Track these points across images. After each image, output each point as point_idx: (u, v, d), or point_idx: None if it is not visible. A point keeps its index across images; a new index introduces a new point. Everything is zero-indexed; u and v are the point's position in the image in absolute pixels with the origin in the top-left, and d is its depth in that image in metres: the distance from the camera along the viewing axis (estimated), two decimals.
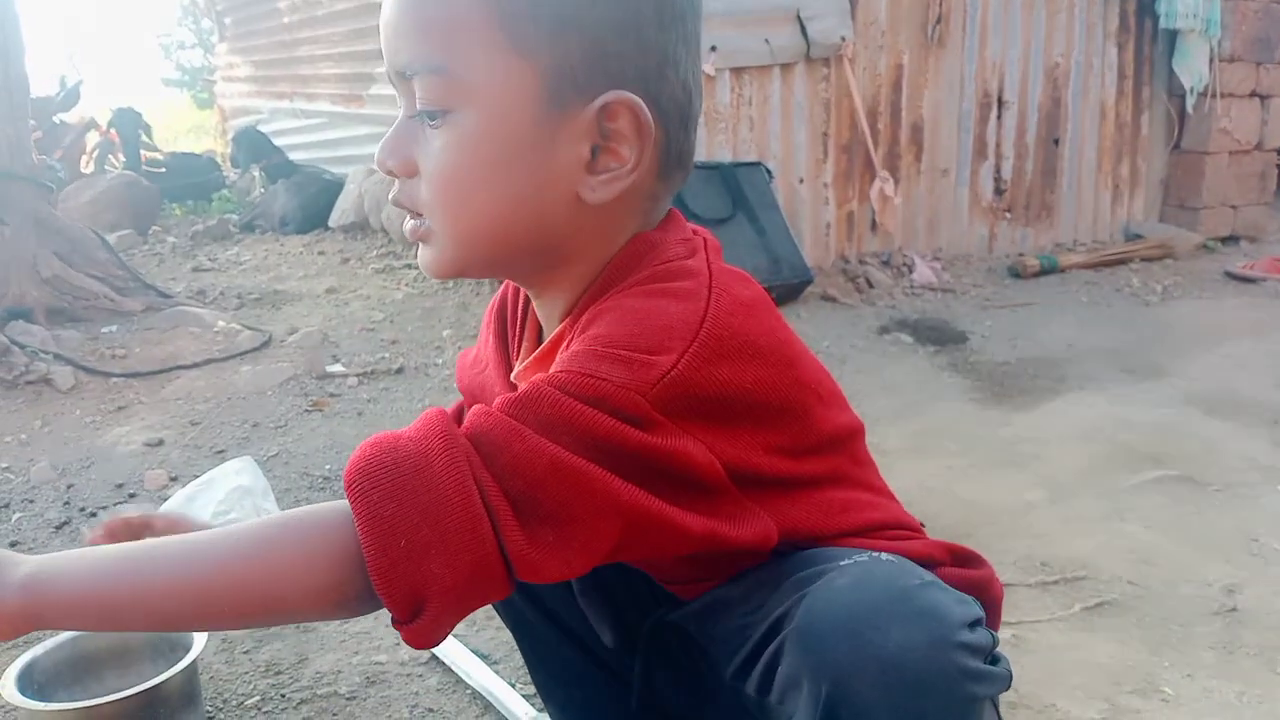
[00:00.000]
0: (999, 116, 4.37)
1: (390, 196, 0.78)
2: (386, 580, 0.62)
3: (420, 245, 0.77)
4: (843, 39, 3.81)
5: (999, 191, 4.46)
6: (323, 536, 0.65)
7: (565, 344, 0.73)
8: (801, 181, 3.93)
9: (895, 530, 0.82)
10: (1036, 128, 4.48)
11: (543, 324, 0.83)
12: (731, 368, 0.68)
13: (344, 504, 0.65)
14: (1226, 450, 2.26)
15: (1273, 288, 3.95)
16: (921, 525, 0.87)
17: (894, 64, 4.05)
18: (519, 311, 0.87)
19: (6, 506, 2.01)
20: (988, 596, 0.82)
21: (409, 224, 0.77)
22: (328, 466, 2.18)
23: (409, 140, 0.73)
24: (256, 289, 4.04)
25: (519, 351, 0.86)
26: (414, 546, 0.62)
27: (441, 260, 0.76)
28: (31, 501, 2.04)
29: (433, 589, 0.63)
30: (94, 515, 1.96)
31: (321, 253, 4.88)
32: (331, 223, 5.38)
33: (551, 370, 0.68)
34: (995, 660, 0.66)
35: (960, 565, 0.85)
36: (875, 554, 0.72)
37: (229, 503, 1.83)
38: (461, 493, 0.62)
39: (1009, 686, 0.69)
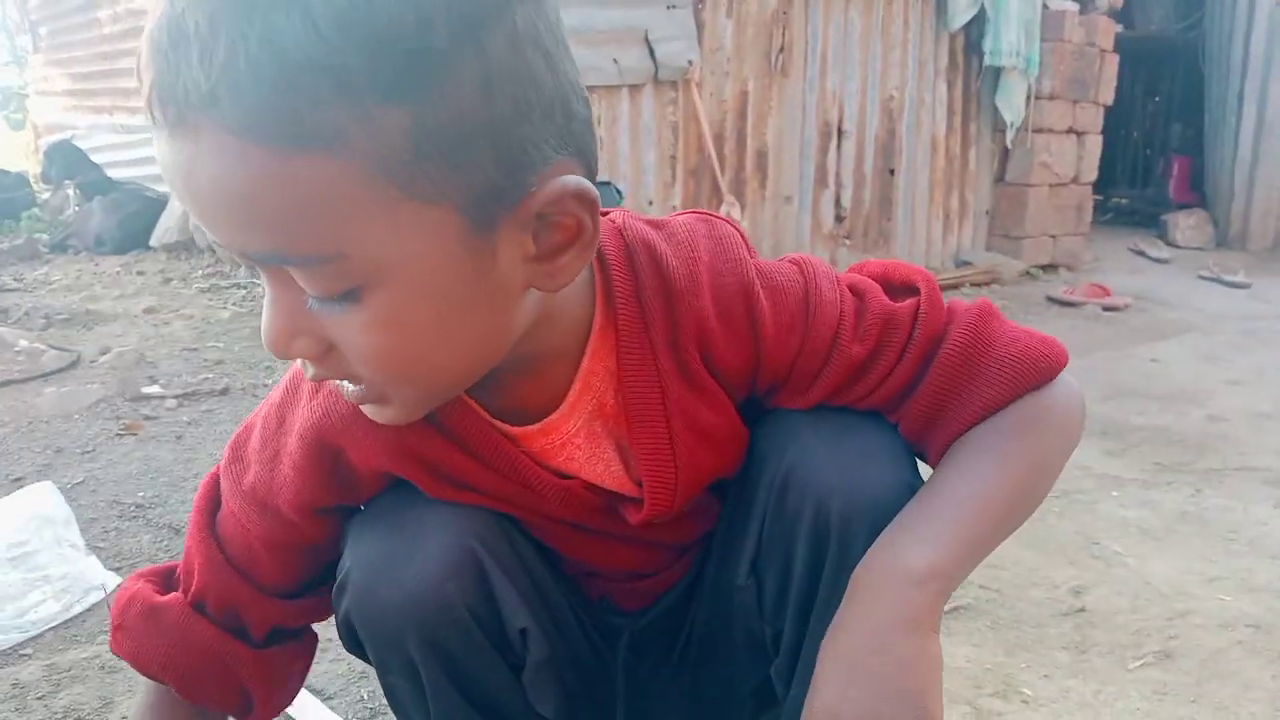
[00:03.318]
0: (839, 146, 4.50)
1: (306, 375, 0.63)
2: None
3: (366, 404, 0.65)
4: (690, 63, 3.83)
5: (839, 219, 4.57)
6: None
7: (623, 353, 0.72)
8: (651, 204, 3.92)
9: None
10: (873, 158, 4.62)
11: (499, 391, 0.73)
12: None
13: None
14: None
15: (1091, 311, 4.18)
16: None
17: (739, 91, 4.11)
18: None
19: None
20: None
21: (350, 389, 0.63)
22: (140, 494, 1.98)
23: (303, 318, 0.57)
24: (66, 309, 3.72)
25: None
26: None
27: (412, 413, 0.66)
28: None
29: None
30: None
31: (141, 272, 4.56)
32: (153, 242, 5.05)
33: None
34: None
35: None
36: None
37: (26, 532, 1.63)
38: None
39: None
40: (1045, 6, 4.69)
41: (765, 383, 0.78)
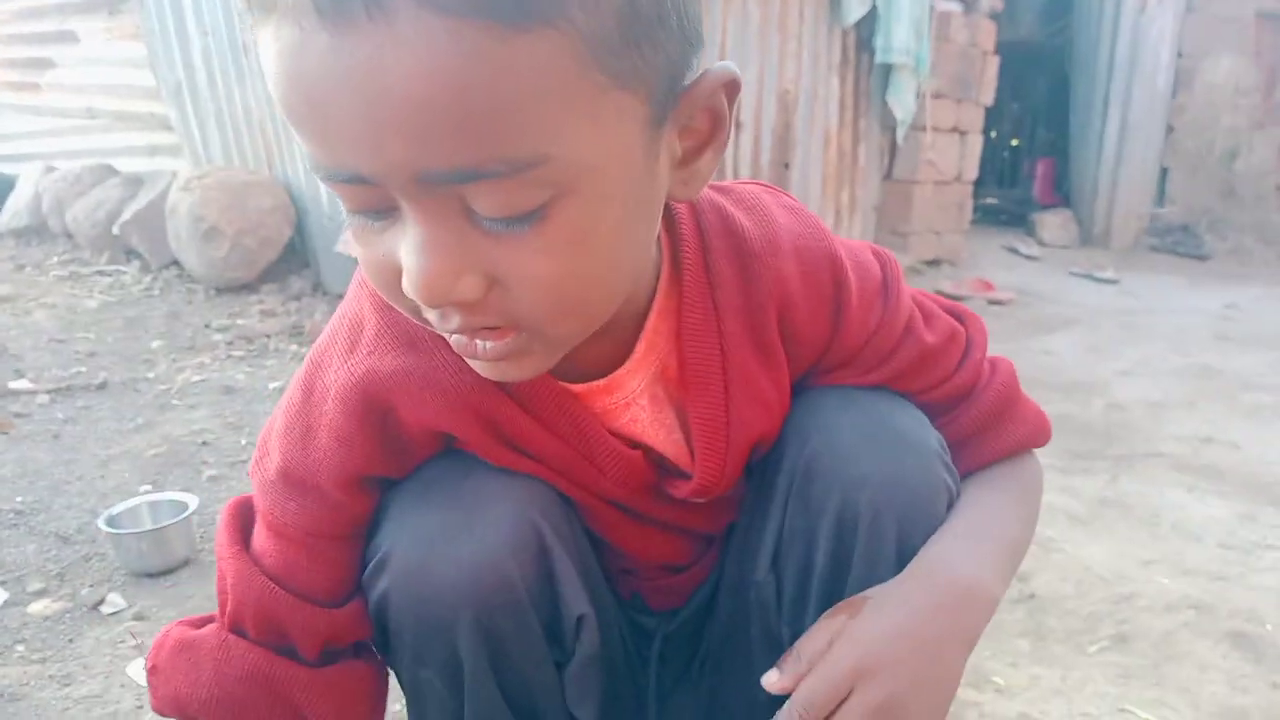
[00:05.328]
0: (736, 139, 4.48)
1: (447, 326, 0.54)
2: None
3: (498, 361, 0.56)
4: None
5: None
6: None
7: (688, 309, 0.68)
8: None
9: None
10: (770, 151, 4.63)
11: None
12: None
13: None
14: None
15: (979, 305, 4.29)
16: None
17: None
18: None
19: None
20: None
21: (491, 345, 0.54)
22: (19, 499, 1.77)
23: (469, 252, 0.50)
24: None
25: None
26: None
27: (552, 359, 0.59)
28: None
29: None
30: None
31: None
32: (0, 226, 4.65)
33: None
34: None
35: None
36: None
37: None
38: None
39: None
40: (932, 7, 4.79)
41: (833, 359, 0.73)
